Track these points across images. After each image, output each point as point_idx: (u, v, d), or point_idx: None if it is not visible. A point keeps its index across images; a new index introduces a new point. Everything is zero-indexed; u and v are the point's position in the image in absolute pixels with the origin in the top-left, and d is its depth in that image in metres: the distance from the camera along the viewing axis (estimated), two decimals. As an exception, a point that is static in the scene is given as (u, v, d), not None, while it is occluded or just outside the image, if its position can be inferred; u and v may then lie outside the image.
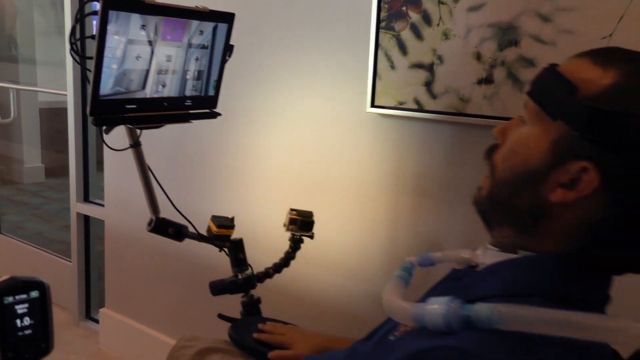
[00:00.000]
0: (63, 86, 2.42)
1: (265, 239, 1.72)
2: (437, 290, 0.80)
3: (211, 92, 1.20)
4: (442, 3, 1.31)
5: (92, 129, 2.42)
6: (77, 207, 2.49)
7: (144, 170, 1.20)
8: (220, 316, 1.32)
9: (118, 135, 1.14)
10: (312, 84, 1.60)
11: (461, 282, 0.75)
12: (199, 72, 1.15)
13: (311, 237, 1.37)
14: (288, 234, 1.36)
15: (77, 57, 0.99)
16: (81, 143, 2.41)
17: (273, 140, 1.70)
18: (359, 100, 1.50)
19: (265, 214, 1.74)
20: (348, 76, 1.52)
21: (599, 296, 0.67)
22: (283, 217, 1.34)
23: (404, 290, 0.79)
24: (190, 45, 1.11)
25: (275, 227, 1.58)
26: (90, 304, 2.62)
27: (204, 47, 1.14)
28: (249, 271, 1.35)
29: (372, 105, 1.46)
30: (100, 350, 2.39)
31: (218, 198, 1.87)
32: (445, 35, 1.32)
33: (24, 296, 0.94)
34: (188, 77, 1.13)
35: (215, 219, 1.31)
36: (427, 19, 1.34)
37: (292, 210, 1.34)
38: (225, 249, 1.34)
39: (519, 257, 0.68)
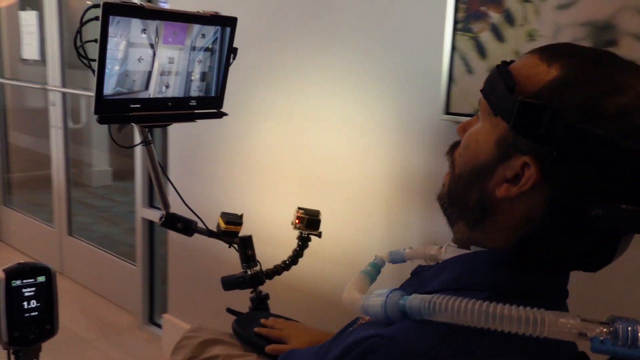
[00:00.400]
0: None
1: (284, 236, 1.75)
2: (402, 286, 0.81)
3: (216, 93, 1.25)
4: (527, 1, 1.22)
5: (157, 135, 2.46)
6: (142, 212, 2.55)
7: (155, 167, 1.27)
8: (229, 310, 1.36)
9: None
10: (380, 88, 1.55)
11: (420, 278, 0.76)
12: (203, 74, 1.21)
13: (319, 235, 1.39)
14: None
15: (85, 61, 1.07)
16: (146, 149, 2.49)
17: (339, 145, 1.67)
18: (432, 106, 1.42)
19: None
20: (420, 81, 1.46)
21: (551, 290, 0.66)
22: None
23: (364, 285, 0.81)
24: (193, 48, 1.16)
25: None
26: (153, 308, 2.66)
27: (207, 49, 1.19)
28: (257, 268, 1.39)
29: (447, 112, 1.39)
30: (162, 356, 2.42)
31: (252, 195, 1.89)
32: (530, 36, 1.23)
33: (31, 280, 1.02)
34: (192, 78, 1.19)
35: (224, 215, 1.37)
36: (509, 18, 1.25)
37: (299, 208, 1.37)
38: (235, 245, 1.39)
39: (468, 253, 0.69)
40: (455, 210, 0.71)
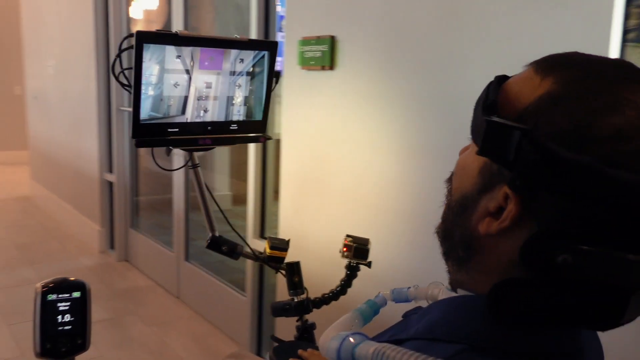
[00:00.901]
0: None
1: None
2: (390, 328, 0.73)
3: (258, 117, 1.25)
4: None
5: (270, 159, 2.47)
6: (252, 242, 2.51)
7: (202, 189, 1.29)
8: (273, 337, 1.34)
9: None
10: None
11: (407, 321, 0.68)
12: (245, 98, 1.21)
13: (368, 265, 1.32)
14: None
15: (126, 88, 1.12)
16: (260, 177, 2.46)
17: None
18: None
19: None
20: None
21: (541, 351, 0.54)
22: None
23: (349, 325, 0.74)
24: (231, 73, 1.17)
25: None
26: (261, 340, 2.64)
27: (246, 74, 1.19)
28: (304, 295, 1.35)
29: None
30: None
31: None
32: None
33: (66, 295, 1.07)
34: (233, 102, 1.19)
35: (271, 240, 1.35)
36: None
37: (347, 236, 1.31)
38: (282, 272, 1.36)
39: (452, 297, 0.60)
40: (445, 246, 0.62)
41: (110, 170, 4.04)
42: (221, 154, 4.83)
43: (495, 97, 0.54)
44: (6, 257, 3.96)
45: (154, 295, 3.41)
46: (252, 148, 2.44)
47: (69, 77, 4.42)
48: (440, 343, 0.53)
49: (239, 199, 5.30)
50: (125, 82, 1.12)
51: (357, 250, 1.30)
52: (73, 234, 4.52)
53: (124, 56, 1.13)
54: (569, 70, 0.50)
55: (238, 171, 5.43)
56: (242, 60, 1.18)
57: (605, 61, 0.51)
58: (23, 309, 2.86)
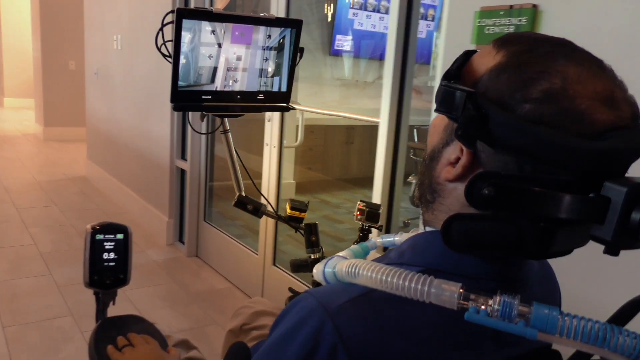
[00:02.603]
0: (320, 102, 2.50)
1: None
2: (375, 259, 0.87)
3: (283, 88, 1.39)
4: None
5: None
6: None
7: (232, 154, 1.46)
8: (290, 289, 1.49)
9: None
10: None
11: (387, 253, 0.82)
12: (269, 71, 1.36)
13: (379, 228, 1.46)
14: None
15: (167, 58, 1.28)
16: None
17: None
18: None
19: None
20: None
21: (484, 274, 0.66)
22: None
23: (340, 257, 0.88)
24: (259, 47, 1.32)
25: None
26: None
27: (272, 48, 1.34)
28: (320, 253, 1.50)
29: None
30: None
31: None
32: None
33: (111, 236, 1.26)
34: (261, 74, 1.35)
35: (291, 202, 1.50)
36: None
37: (361, 201, 1.45)
38: (301, 231, 1.51)
39: (420, 232, 0.74)
40: (419, 192, 0.76)
41: (183, 157, 3.70)
42: (287, 143, 4.20)
43: (456, 67, 0.67)
44: (70, 245, 3.75)
45: (233, 299, 3.14)
46: (382, 148, 2.15)
47: (138, 54, 4.08)
48: (406, 266, 0.66)
49: (302, 187, 5.34)
50: (166, 53, 1.28)
51: (370, 214, 1.44)
52: (138, 223, 4.27)
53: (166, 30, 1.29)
54: (516, 46, 0.63)
55: (302, 158, 5.16)
56: (269, 36, 1.33)
57: (549, 39, 0.64)
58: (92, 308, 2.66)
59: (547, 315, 0.55)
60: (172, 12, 1.23)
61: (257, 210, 1.48)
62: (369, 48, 5.25)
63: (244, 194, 1.49)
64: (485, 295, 0.58)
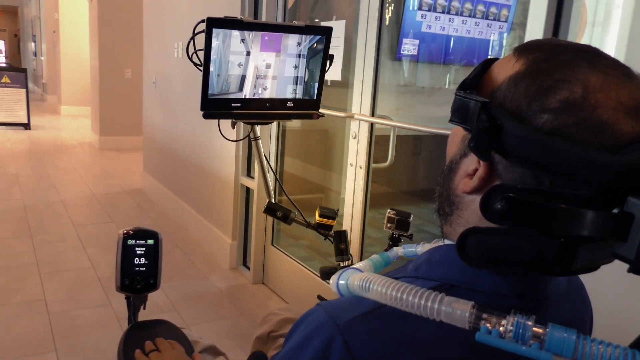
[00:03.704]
0: (386, 110, 2.34)
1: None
2: (390, 272, 0.85)
3: (313, 96, 1.39)
4: None
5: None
6: None
7: (262, 160, 1.47)
8: (319, 297, 1.48)
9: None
10: None
11: (406, 265, 0.80)
12: (299, 78, 1.35)
13: (409, 237, 1.42)
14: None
15: (198, 67, 1.29)
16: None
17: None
18: None
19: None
20: None
21: (503, 290, 0.63)
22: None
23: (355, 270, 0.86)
24: (289, 55, 1.32)
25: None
26: None
27: (301, 56, 1.33)
28: (349, 261, 1.48)
29: None
30: None
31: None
32: None
33: (142, 242, 1.28)
34: (287, 82, 1.34)
35: (321, 209, 1.49)
36: None
37: (391, 209, 1.43)
38: (330, 238, 1.50)
39: (438, 245, 0.72)
40: (438, 204, 0.75)
41: (249, 174, 3.39)
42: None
43: (473, 76, 0.65)
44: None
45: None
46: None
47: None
48: (421, 280, 0.66)
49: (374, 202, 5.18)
50: (197, 62, 1.29)
51: (400, 222, 1.41)
52: (197, 243, 4.05)
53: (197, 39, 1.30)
54: (536, 53, 0.61)
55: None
56: (299, 44, 1.32)
57: (572, 46, 0.61)
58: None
59: (564, 338, 0.52)
60: (202, 21, 1.24)
61: (287, 217, 1.48)
62: (437, 52, 5.14)
63: (274, 200, 1.49)
64: (498, 315, 0.55)
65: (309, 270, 2.93)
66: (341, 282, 0.74)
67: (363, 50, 2.41)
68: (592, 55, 0.59)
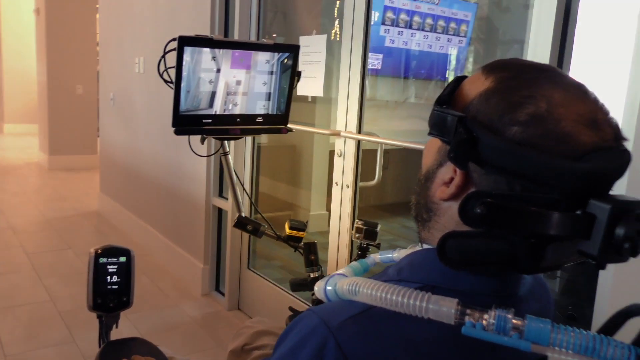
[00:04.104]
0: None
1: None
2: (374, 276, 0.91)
3: (281, 111, 1.45)
4: None
5: None
6: None
7: (231, 175, 1.51)
8: (290, 308, 1.53)
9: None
10: None
11: (386, 270, 0.86)
12: (268, 94, 1.41)
13: (377, 246, 1.49)
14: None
15: (169, 84, 1.33)
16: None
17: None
18: None
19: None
20: None
21: (480, 289, 0.71)
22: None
23: (340, 275, 0.92)
24: (258, 72, 1.37)
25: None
26: None
27: (270, 73, 1.39)
28: (319, 272, 1.53)
29: None
30: None
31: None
32: None
33: (115, 259, 1.30)
34: (257, 98, 1.40)
35: (290, 221, 1.54)
36: None
37: (359, 220, 1.49)
38: (300, 250, 1.55)
39: (417, 250, 0.79)
40: (415, 211, 0.81)
41: (221, 194, 3.30)
42: (320, 169, 4.07)
43: (447, 92, 0.73)
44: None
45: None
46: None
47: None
48: (404, 282, 0.71)
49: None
50: (168, 79, 1.33)
51: (367, 232, 1.48)
52: (165, 268, 3.84)
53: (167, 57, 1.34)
54: (503, 72, 0.68)
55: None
56: (268, 61, 1.38)
57: (534, 66, 0.69)
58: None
59: (540, 328, 0.59)
60: (174, 39, 1.28)
61: (257, 230, 1.53)
62: (399, 66, 5.24)
63: (244, 214, 1.54)
64: (481, 310, 0.62)
65: (287, 292, 2.84)
66: (329, 288, 0.79)
67: (347, 66, 2.37)
68: (553, 74, 0.67)
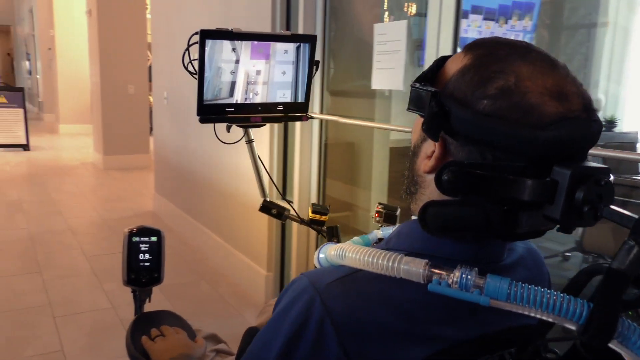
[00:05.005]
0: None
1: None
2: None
3: (301, 99, 1.59)
4: None
5: None
6: None
7: (256, 161, 1.66)
8: None
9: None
10: None
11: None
12: (287, 83, 1.55)
13: (398, 230, 1.61)
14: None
15: (193, 75, 1.50)
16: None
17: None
18: None
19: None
20: None
21: (462, 255, 0.78)
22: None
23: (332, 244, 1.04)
24: (277, 62, 1.52)
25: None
26: None
27: (289, 62, 1.54)
28: (342, 255, 1.66)
29: None
30: None
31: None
32: None
33: (146, 239, 1.48)
34: (277, 87, 1.55)
35: (313, 205, 1.68)
36: None
37: (379, 204, 1.61)
38: (323, 233, 1.69)
39: (406, 221, 0.89)
40: (405, 185, 0.91)
41: (284, 197, 3.14)
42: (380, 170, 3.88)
43: (429, 70, 0.81)
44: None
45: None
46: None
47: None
48: (391, 251, 0.79)
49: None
50: (192, 71, 1.50)
51: (387, 216, 1.59)
52: (224, 274, 3.82)
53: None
54: (479, 50, 0.77)
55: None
56: (286, 51, 1.53)
57: (510, 43, 0.76)
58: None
59: (499, 285, 0.67)
60: (196, 33, 1.45)
61: (281, 214, 1.67)
62: None
63: (268, 199, 1.69)
64: (447, 269, 0.70)
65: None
66: (321, 255, 0.91)
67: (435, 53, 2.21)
68: (524, 50, 0.74)
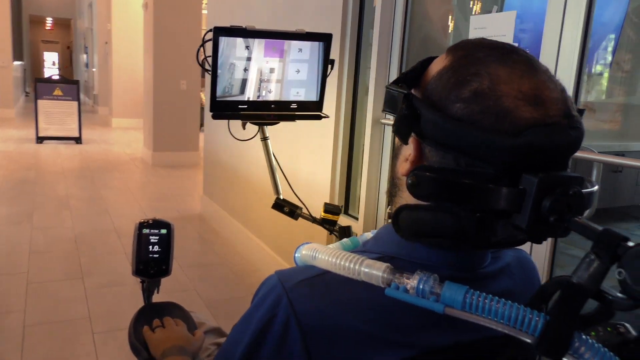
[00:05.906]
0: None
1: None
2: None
3: (315, 98, 1.66)
4: None
5: None
6: None
7: (270, 159, 1.74)
8: None
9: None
10: None
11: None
12: (301, 82, 1.63)
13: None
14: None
15: (207, 71, 1.60)
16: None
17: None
18: None
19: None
20: None
21: (436, 262, 0.78)
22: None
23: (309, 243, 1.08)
24: (291, 60, 1.60)
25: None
26: None
27: (303, 61, 1.61)
28: (354, 256, 1.72)
29: None
30: None
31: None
32: None
33: (156, 231, 1.58)
34: (291, 85, 1.63)
35: (326, 205, 1.75)
36: None
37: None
38: (335, 233, 1.75)
39: (384, 225, 0.91)
40: (388, 187, 0.93)
41: (347, 211, 3.13)
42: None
43: (410, 71, 0.83)
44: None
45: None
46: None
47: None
48: (368, 253, 0.82)
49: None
50: (207, 67, 1.60)
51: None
52: None
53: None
54: (459, 52, 0.77)
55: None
56: (300, 49, 1.60)
57: (490, 45, 0.77)
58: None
59: (454, 293, 0.68)
60: (210, 30, 1.55)
61: (293, 212, 1.75)
62: None
63: (281, 197, 1.77)
64: (407, 274, 0.71)
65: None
66: (297, 254, 0.92)
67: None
68: (504, 52, 0.74)
